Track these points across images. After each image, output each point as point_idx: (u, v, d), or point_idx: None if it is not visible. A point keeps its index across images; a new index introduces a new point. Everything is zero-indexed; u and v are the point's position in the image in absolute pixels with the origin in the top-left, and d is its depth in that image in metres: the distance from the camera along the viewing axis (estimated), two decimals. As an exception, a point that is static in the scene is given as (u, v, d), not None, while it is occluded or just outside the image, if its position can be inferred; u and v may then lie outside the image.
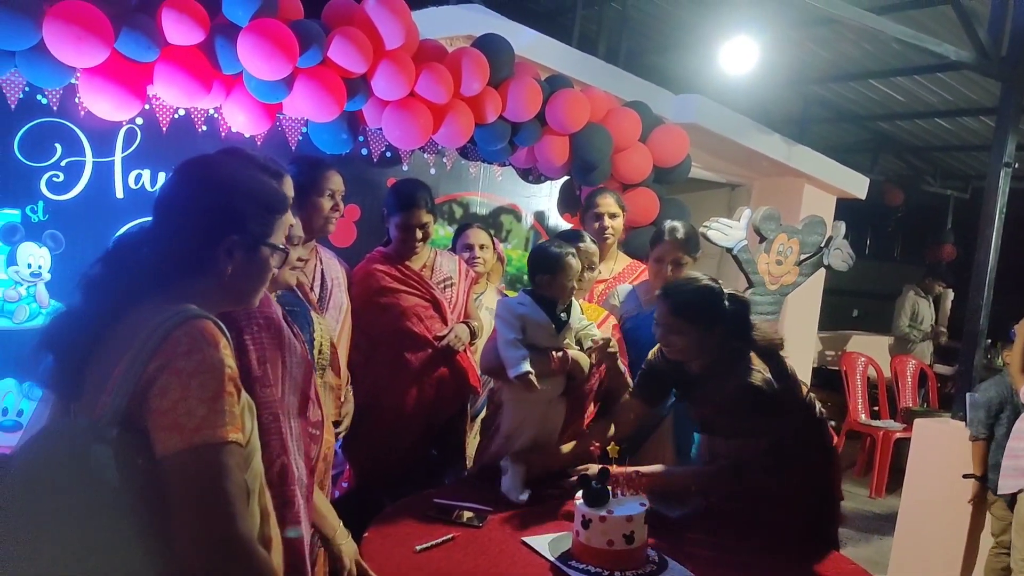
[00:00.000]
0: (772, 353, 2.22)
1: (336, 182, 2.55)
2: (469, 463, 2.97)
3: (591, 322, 2.55)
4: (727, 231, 3.53)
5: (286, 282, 1.79)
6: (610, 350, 2.42)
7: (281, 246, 1.36)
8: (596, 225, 3.22)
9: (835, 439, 2.32)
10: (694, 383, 2.28)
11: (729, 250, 3.58)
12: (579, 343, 2.50)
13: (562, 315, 2.42)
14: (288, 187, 1.76)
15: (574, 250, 2.43)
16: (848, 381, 6.14)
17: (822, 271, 4.09)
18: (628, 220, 3.38)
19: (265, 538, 1.29)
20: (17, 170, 2.59)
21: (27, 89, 2.57)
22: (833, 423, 6.08)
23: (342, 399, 2.48)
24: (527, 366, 2.30)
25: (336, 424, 2.49)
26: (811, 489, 2.15)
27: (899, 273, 8.82)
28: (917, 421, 4.40)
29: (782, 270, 3.71)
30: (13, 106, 2.56)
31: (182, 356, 1.12)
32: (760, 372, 2.11)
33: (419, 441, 2.82)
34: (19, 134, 2.59)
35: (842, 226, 3.90)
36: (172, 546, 1.08)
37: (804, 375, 5.48)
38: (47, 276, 2.66)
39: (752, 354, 2.17)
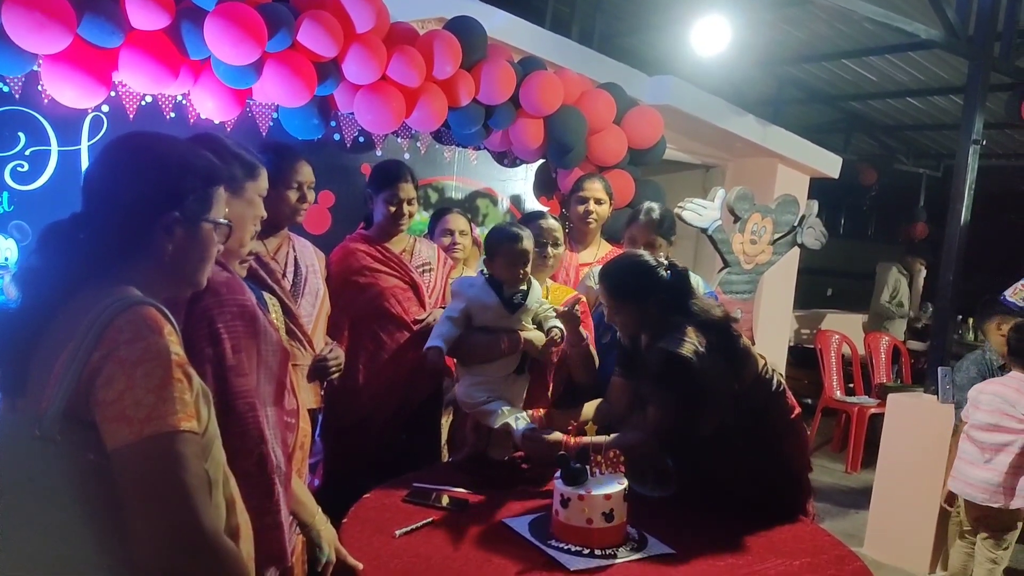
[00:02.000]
0: (714, 326, 2.20)
1: (304, 173, 2.52)
2: (446, 451, 2.99)
3: (552, 305, 2.56)
4: (702, 212, 3.54)
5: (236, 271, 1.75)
6: (574, 311, 2.43)
7: (223, 220, 1.32)
8: (581, 209, 3.23)
9: (796, 411, 2.33)
10: (640, 357, 2.30)
11: (704, 230, 3.60)
12: (539, 325, 2.52)
13: (516, 297, 2.43)
14: (263, 179, 1.74)
15: (525, 234, 2.43)
16: (823, 359, 6.22)
17: (796, 250, 4.14)
18: (602, 203, 3.38)
19: (232, 527, 1.27)
20: (-21, 160, 2.54)
21: (-12, 77, 2.52)
22: (808, 400, 6.18)
23: (322, 352, 2.50)
24: (437, 342, 2.36)
25: (325, 369, 2.50)
26: (774, 462, 2.17)
27: (873, 252, 8.93)
28: (891, 396, 4.47)
29: (756, 249, 3.74)
30: (-27, 94, 2.50)
31: (125, 344, 1.08)
32: (690, 343, 2.09)
33: (391, 422, 2.82)
34: (-20, 123, 2.53)
35: (815, 205, 3.94)
36: (129, 544, 1.05)
37: (779, 354, 5.55)
38: (13, 268, 2.62)
39: (689, 327, 2.14)
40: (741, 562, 1.82)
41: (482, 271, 2.49)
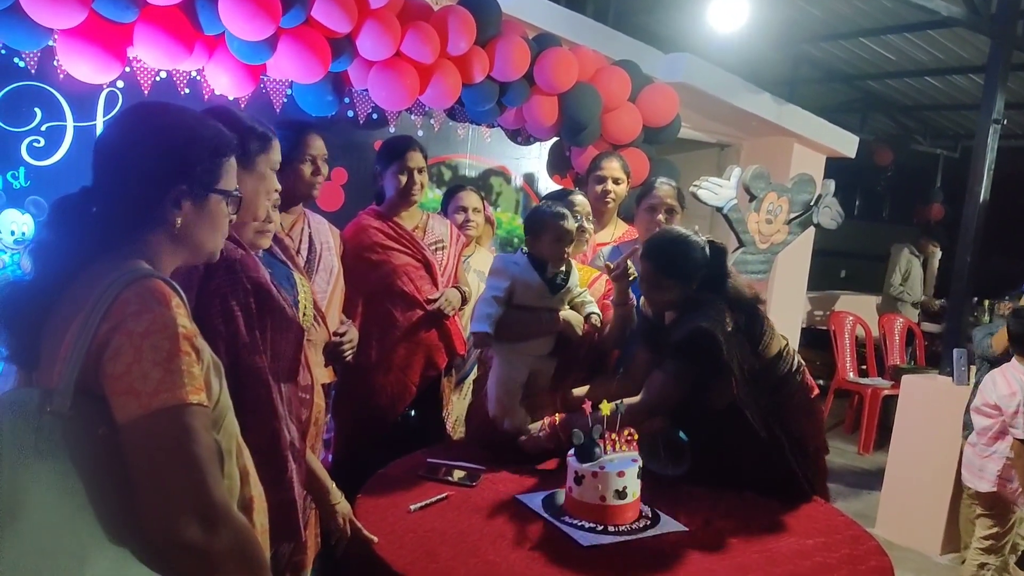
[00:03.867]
0: (745, 306, 2.22)
1: (317, 147, 2.52)
2: (450, 424, 2.99)
3: (584, 288, 2.55)
4: (717, 190, 3.51)
5: (252, 243, 1.75)
6: (628, 269, 2.42)
7: (233, 191, 1.31)
8: (599, 189, 3.21)
9: (815, 391, 2.33)
10: (664, 330, 2.29)
11: (719, 209, 3.57)
12: (574, 307, 2.51)
13: (558, 278, 2.42)
14: (276, 151, 1.74)
15: (568, 214, 2.42)
16: (836, 340, 6.19)
17: (812, 230, 4.10)
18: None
19: (246, 499, 1.27)
20: (-4, 135, 2.55)
21: (3, 52, 2.51)
22: (821, 382, 6.16)
23: (336, 337, 2.50)
24: (485, 325, 2.32)
25: (339, 353, 2.50)
26: (790, 441, 2.17)
27: (888, 233, 8.85)
28: (904, 378, 4.45)
29: (772, 229, 3.71)
30: (-10, 70, 2.51)
31: (132, 317, 1.07)
32: (721, 321, 2.11)
33: (399, 400, 2.82)
34: (-3, 98, 2.54)
35: (831, 184, 3.90)
36: (140, 517, 1.04)
37: (793, 335, 5.53)
38: (36, 235, 2.63)
39: (722, 305, 2.17)
40: (754, 540, 1.83)
41: (521, 249, 2.48)
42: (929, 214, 8.96)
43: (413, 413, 2.89)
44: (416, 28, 2.95)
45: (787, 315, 5.31)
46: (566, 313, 2.45)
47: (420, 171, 2.82)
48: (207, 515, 1.05)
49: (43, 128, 2.63)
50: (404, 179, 2.79)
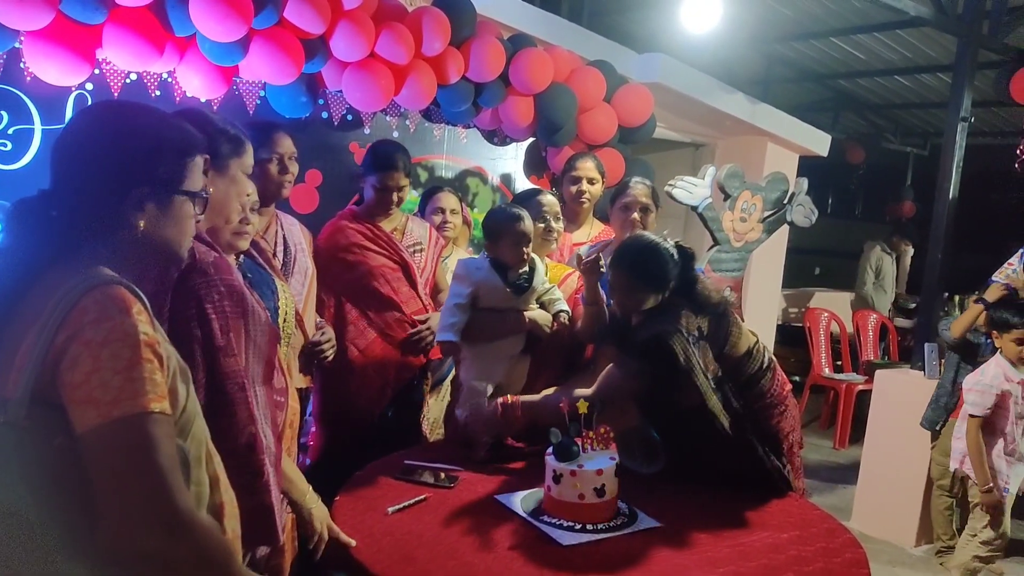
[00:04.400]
0: (712, 310, 2.22)
1: (284, 145, 2.51)
2: (427, 426, 2.99)
3: (553, 284, 2.56)
4: (692, 189, 3.54)
5: (229, 244, 1.74)
6: (598, 263, 2.43)
7: (200, 192, 1.28)
8: (573, 189, 3.23)
9: (788, 386, 2.35)
10: (631, 330, 2.30)
11: (694, 208, 3.59)
12: (543, 305, 2.52)
13: (522, 279, 2.43)
14: (249, 155, 1.73)
15: (524, 215, 2.42)
16: (812, 337, 6.26)
17: (786, 228, 4.14)
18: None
19: (216, 504, 1.25)
20: (-38, 139, 2.50)
21: (-31, 54, 2.47)
22: (797, 378, 6.22)
23: (315, 338, 2.50)
24: (450, 335, 2.36)
25: (319, 353, 2.50)
26: (765, 437, 2.19)
27: (861, 230, 8.97)
28: (878, 373, 4.51)
29: (746, 227, 3.74)
30: (-45, 72, 2.46)
31: (90, 325, 1.05)
32: (680, 330, 2.10)
33: (376, 402, 2.82)
34: (-38, 101, 2.49)
35: (804, 182, 3.94)
36: (102, 527, 1.02)
37: (768, 332, 5.58)
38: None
39: (684, 311, 2.16)
40: (729, 535, 1.84)
41: (484, 253, 2.48)
42: (900, 211, 9.09)
43: (390, 414, 2.88)
44: (390, 29, 2.94)
45: (762, 312, 5.36)
46: (533, 312, 2.47)
47: (400, 189, 2.82)
48: (169, 523, 1.04)
49: (10, 131, 2.59)
50: (380, 197, 2.81)
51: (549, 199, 2.75)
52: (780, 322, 6.63)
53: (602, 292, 2.51)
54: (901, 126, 9.15)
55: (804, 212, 3.91)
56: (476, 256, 2.81)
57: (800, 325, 6.61)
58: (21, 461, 1.03)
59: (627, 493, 1.96)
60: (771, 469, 2.17)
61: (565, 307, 2.50)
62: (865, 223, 9.91)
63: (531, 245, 2.45)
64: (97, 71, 2.66)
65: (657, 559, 1.70)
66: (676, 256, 2.23)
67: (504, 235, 2.40)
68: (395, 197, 2.81)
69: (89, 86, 2.71)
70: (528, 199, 2.73)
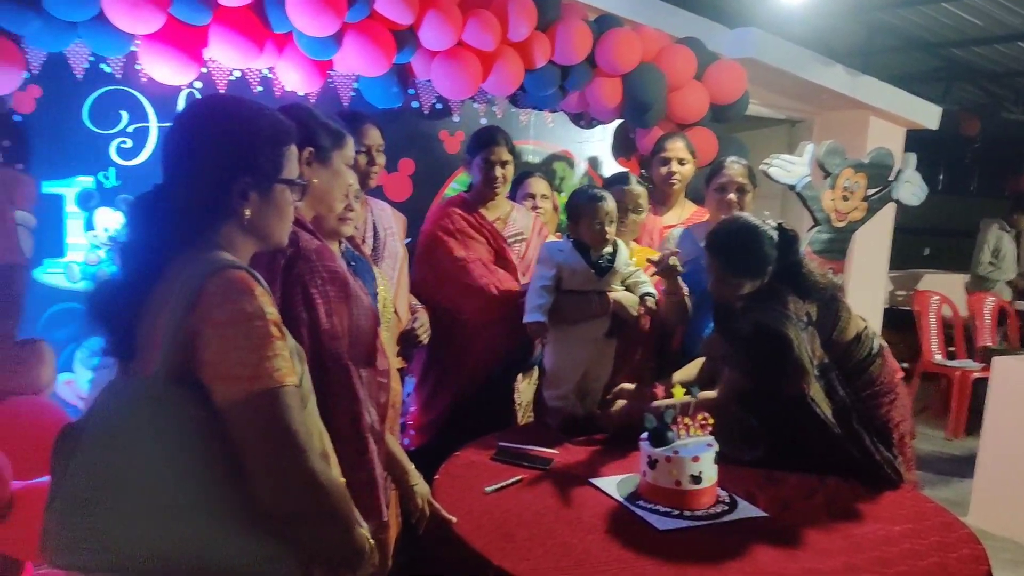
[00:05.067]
0: (819, 295, 2.12)
1: (372, 136, 2.57)
2: (520, 410, 3.01)
3: (639, 268, 2.53)
4: (789, 167, 3.42)
5: (335, 231, 1.80)
6: (672, 265, 2.39)
7: (297, 179, 1.35)
8: (663, 170, 3.17)
9: (899, 374, 2.25)
10: (730, 316, 2.22)
11: (792, 187, 3.48)
12: (628, 288, 2.50)
13: (604, 260, 2.41)
14: (350, 147, 1.78)
15: (605, 195, 2.40)
16: (921, 321, 5.96)
17: (892, 207, 3.95)
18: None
19: None
20: (88, 138, 2.68)
21: (91, 59, 2.64)
22: (906, 365, 5.95)
23: (409, 324, 2.56)
24: (538, 315, 2.36)
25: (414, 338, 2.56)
26: (873, 429, 2.11)
27: (976, 208, 8.45)
28: (995, 359, 4.25)
29: (849, 206, 3.59)
30: (80, 76, 2.63)
31: (218, 307, 1.13)
32: (788, 316, 2.02)
33: (471, 385, 2.84)
34: (87, 103, 2.67)
35: (912, 158, 3.75)
36: (247, 491, 1.12)
37: (874, 316, 5.36)
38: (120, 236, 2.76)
39: (790, 298, 2.06)
40: (838, 527, 1.78)
41: (568, 236, 2.49)
42: (1022, 186, 8.51)
43: (484, 397, 2.92)
44: (477, 16, 2.97)
45: (867, 295, 5.15)
46: (617, 294, 2.45)
47: (504, 164, 2.85)
48: (309, 483, 1.14)
49: (129, 129, 2.76)
50: (487, 173, 2.84)
51: (634, 188, 2.71)
52: (887, 305, 6.34)
53: (682, 283, 2.47)
54: (1023, 95, 8.55)
55: (912, 189, 3.72)
56: (557, 239, 2.80)
57: (908, 309, 6.30)
58: (166, 434, 1.12)
59: (727, 481, 1.93)
60: (880, 460, 2.08)
61: (652, 290, 2.48)
62: (981, 199, 9.33)
63: (614, 227, 2.43)
64: (204, 70, 2.80)
65: (762, 548, 1.66)
66: (776, 239, 2.12)
67: (584, 215, 2.40)
68: (499, 173, 2.84)
69: (198, 84, 2.85)
70: (612, 185, 2.71)
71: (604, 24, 3.41)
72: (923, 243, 8.81)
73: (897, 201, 3.76)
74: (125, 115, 2.74)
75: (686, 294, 2.55)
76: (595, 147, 3.97)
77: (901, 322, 6.41)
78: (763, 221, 2.18)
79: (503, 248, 2.86)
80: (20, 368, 2.31)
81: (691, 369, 2.39)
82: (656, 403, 2.12)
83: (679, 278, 2.49)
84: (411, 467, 1.85)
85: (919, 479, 2.59)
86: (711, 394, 2.13)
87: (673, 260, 2.40)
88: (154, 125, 2.80)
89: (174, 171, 1.28)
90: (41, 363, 2.35)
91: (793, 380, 2.03)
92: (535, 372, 3.09)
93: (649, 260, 2.48)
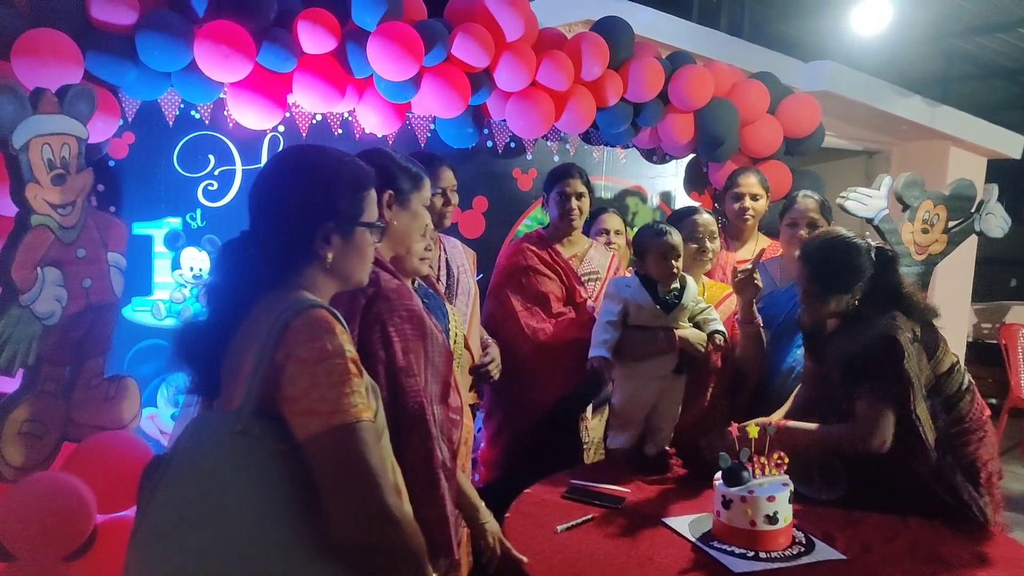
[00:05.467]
0: (920, 315, 2.11)
1: (447, 178, 2.63)
2: (591, 447, 2.99)
3: (709, 304, 2.51)
4: (866, 200, 3.36)
5: (415, 270, 1.85)
6: (754, 277, 2.37)
7: (376, 222, 1.41)
8: (736, 206, 3.15)
9: (987, 412, 2.18)
10: (825, 339, 2.19)
11: (869, 220, 3.41)
12: (697, 325, 2.48)
13: (671, 296, 2.40)
14: (427, 188, 1.84)
15: (670, 230, 2.40)
16: (1009, 355, 5.70)
17: (974, 238, 3.83)
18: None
19: None
20: (177, 181, 2.82)
21: (182, 106, 2.79)
22: (993, 401, 5.70)
23: (480, 360, 2.59)
24: (602, 351, 2.35)
25: (485, 374, 2.60)
26: (961, 464, 2.04)
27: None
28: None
29: (929, 239, 3.50)
30: (171, 122, 2.78)
31: (302, 345, 1.18)
32: (904, 329, 2.01)
33: (532, 422, 2.84)
34: (177, 148, 2.81)
35: (994, 189, 3.63)
36: (324, 523, 1.16)
37: (957, 350, 5.16)
38: (207, 278, 2.89)
39: (897, 313, 2.06)
40: (921, 572, 1.73)
41: (636, 271, 2.49)
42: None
43: (552, 434, 2.93)
44: (551, 57, 3.03)
45: (950, 329, 4.94)
46: (684, 332, 2.43)
47: (579, 196, 2.89)
48: (384, 517, 1.18)
49: (216, 172, 2.89)
50: (562, 206, 2.89)
51: (704, 218, 2.69)
52: (972, 339, 6.11)
53: (757, 313, 2.44)
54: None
55: (995, 221, 3.60)
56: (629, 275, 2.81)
57: (995, 342, 6.04)
58: (248, 467, 1.18)
59: (805, 522, 1.89)
60: (968, 499, 2.01)
61: (721, 327, 2.45)
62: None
63: (681, 261, 2.43)
64: (288, 114, 2.92)
65: (838, 591, 1.63)
66: (874, 256, 2.12)
67: (650, 250, 2.39)
68: (575, 205, 2.88)
69: (281, 128, 2.98)
70: (682, 218, 2.70)
71: (676, 61, 3.43)
72: (1009, 274, 8.46)
73: (980, 233, 3.64)
74: (212, 159, 2.88)
75: (760, 325, 2.52)
76: (668, 182, 3.97)
77: (987, 356, 6.15)
78: (861, 236, 2.18)
79: (575, 288, 2.88)
80: (107, 404, 2.41)
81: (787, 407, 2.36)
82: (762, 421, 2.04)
83: (753, 308, 2.46)
84: (482, 505, 1.87)
85: (1007, 521, 2.47)
86: (839, 430, 2.06)
87: (757, 279, 2.38)
88: (239, 168, 2.93)
89: (261, 217, 1.36)
90: (127, 399, 2.46)
91: (902, 392, 1.98)
92: (606, 409, 3.08)
93: (738, 272, 2.44)
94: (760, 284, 2.42)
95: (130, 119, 2.69)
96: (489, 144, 3.39)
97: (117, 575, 1.25)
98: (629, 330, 2.43)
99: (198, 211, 2.87)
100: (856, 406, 2.04)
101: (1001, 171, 5.06)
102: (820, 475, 2.12)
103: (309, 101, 2.75)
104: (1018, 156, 5.21)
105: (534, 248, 2.93)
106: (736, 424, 2.06)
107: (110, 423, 2.40)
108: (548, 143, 3.54)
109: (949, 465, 2.01)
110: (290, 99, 2.82)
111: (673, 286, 2.43)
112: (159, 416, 2.83)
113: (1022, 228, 5.68)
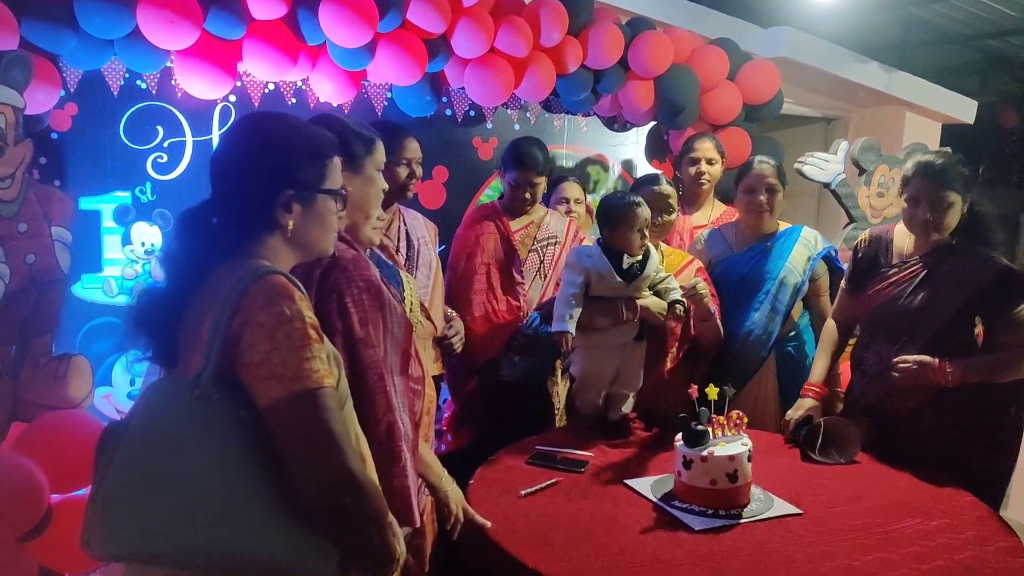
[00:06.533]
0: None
1: (412, 149, 2.58)
2: (558, 412, 3.02)
3: (669, 273, 2.52)
4: (824, 165, 3.39)
5: (369, 240, 1.82)
6: (699, 292, 2.38)
7: (340, 190, 1.38)
8: (692, 170, 3.16)
9: None
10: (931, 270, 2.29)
11: (827, 185, 3.44)
12: (658, 293, 2.48)
13: (634, 266, 2.40)
14: (380, 152, 1.79)
15: (640, 201, 2.39)
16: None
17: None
18: (717, 162, 3.30)
19: None
20: (124, 154, 2.73)
21: (127, 76, 2.70)
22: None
23: (443, 332, 2.57)
24: (565, 325, 2.34)
25: (448, 346, 2.59)
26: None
27: (1018, 199, 8.27)
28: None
29: (884, 202, 3.55)
30: (116, 93, 2.69)
31: (260, 310, 1.17)
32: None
33: (502, 391, 2.85)
34: (124, 119, 2.73)
35: (842, 143, 3.67)
36: (286, 488, 1.16)
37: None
38: (159, 252, 2.82)
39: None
40: (875, 522, 1.77)
41: (598, 239, 2.48)
42: (1064, 179, 8.31)
43: (519, 402, 2.93)
44: (509, 23, 2.99)
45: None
46: (645, 300, 2.43)
47: (533, 186, 2.86)
48: (346, 480, 1.18)
49: (165, 144, 2.81)
50: (514, 194, 2.87)
51: (664, 189, 2.68)
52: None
53: (711, 308, 2.46)
54: (1061, 85, 8.37)
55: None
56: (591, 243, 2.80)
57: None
58: (208, 431, 1.16)
59: (764, 479, 1.92)
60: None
61: (679, 297, 2.46)
62: (1022, 191, 9.12)
63: (647, 232, 2.42)
64: (239, 83, 2.85)
65: (796, 546, 1.65)
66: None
67: (620, 221, 2.37)
68: (528, 195, 2.86)
69: (232, 98, 2.90)
70: (642, 186, 2.70)
71: (636, 27, 3.41)
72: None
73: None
74: (161, 130, 2.79)
75: (718, 318, 2.54)
76: (629, 150, 3.97)
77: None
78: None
79: (517, 258, 2.89)
80: (57, 383, 2.35)
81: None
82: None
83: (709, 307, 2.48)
84: (444, 473, 1.86)
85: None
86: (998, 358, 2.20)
87: (702, 288, 2.38)
88: (189, 139, 2.85)
89: (220, 185, 1.33)
90: (78, 377, 2.40)
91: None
92: (569, 377, 3.09)
93: (680, 287, 2.46)
94: (703, 293, 2.42)
95: (72, 89, 2.59)
96: (448, 113, 3.35)
97: (74, 555, 1.22)
98: (590, 300, 2.42)
99: (148, 184, 2.79)
100: (1004, 327, 2.19)
101: (956, 136, 5.14)
102: (831, 442, 2.19)
103: (260, 69, 2.68)
104: (972, 121, 5.29)
105: (488, 217, 2.91)
106: (695, 386, 2.07)
107: (61, 402, 2.34)
108: (508, 111, 3.50)
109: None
110: (241, 68, 2.74)
111: (637, 256, 2.43)
112: (115, 395, 2.77)
113: (977, 190, 5.78)
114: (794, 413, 2.38)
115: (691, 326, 2.54)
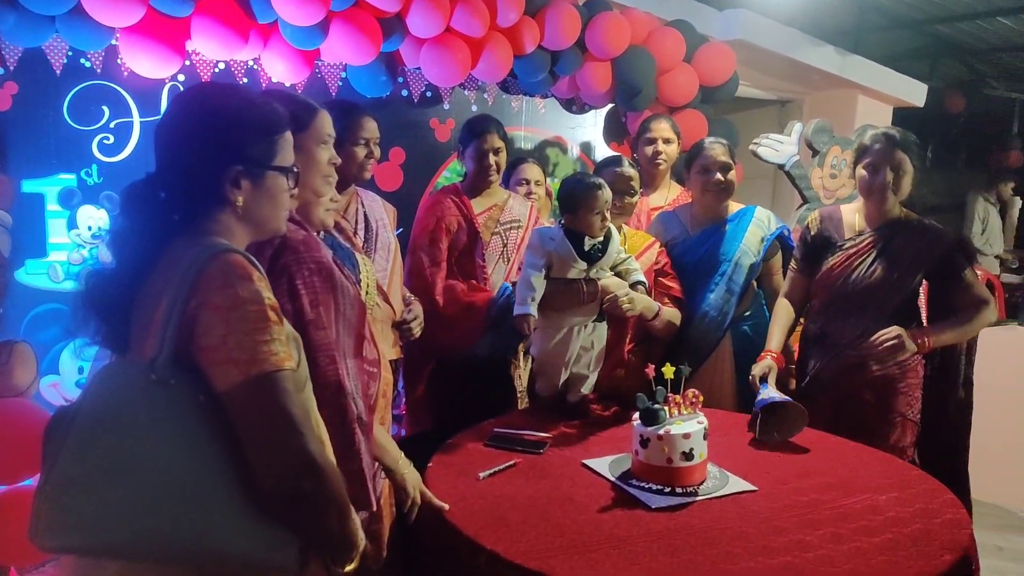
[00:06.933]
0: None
1: (370, 129, 2.54)
2: (520, 395, 3.02)
3: (630, 255, 2.53)
4: (778, 147, 3.43)
5: (322, 221, 1.78)
6: (621, 305, 2.39)
7: (291, 167, 1.34)
8: (649, 150, 3.17)
9: None
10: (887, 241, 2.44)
11: (781, 166, 3.48)
12: (619, 275, 2.49)
13: (595, 247, 2.40)
14: (321, 126, 1.74)
15: (602, 184, 2.39)
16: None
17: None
18: (675, 144, 3.31)
19: None
20: (69, 135, 2.66)
21: (70, 54, 2.61)
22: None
23: (402, 316, 2.54)
24: (528, 308, 2.34)
25: (407, 330, 2.55)
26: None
27: (963, 182, 8.48)
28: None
29: (837, 183, 3.61)
30: (59, 71, 2.61)
31: (217, 292, 1.13)
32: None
33: (462, 373, 2.85)
34: (67, 99, 2.64)
35: (796, 124, 3.74)
36: (246, 473, 1.13)
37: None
38: (111, 224, 2.74)
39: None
40: (825, 498, 1.80)
41: (560, 221, 2.48)
42: (1007, 162, 8.53)
43: (480, 385, 2.93)
44: (465, 2, 2.95)
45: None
46: (606, 281, 2.44)
47: (497, 152, 2.84)
48: (307, 465, 1.16)
49: (112, 125, 2.74)
50: (480, 163, 2.83)
51: (627, 171, 2.68)
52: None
53: (653, 305, 2.49)
54: (1005, 71, 8.56)
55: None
56: (551, 225, 2.80)
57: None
58: (164, 417, 1.12)
59: (720, 457, 1.94)
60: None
61: (642, 278, 2.47)
62: (968, 173, 9.36)
63: (609, 215, 2.42)
64: (188, 62, 2.78)
65: (750, 521, 1.68)
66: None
67: (582, 204, 2.37)
68: (492, 161, 2.83)
69: (181, 77, 2.83)
70: (605, 168, 2.70)
71: (593, 8, 3.40)
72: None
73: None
74: (107, 111, 2.72)
75: (662, 317, 2.56)
76: (587, 132, 3.97)
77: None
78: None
79: (480, 240, 2.87)
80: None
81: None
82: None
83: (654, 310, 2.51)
84: (401, 456, 1.84)
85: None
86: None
87: (626, 304, 2.39)
88: (137, 120, 2.78)
89: (165, 159, 1.27)
90: (21, 365, 2.33)
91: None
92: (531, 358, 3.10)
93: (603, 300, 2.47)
94: (627, 307, 2.42)
95: (11, 68, 2.51)
96: (404, 93, 3.31)
97: (21, 548, 1.18)
98: (552, 282, 2.42)
99: (94, 167, 2.71)
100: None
101: (906, 119, 5.23)
102: (774, 420, 2.20)
103: (209, 48, 2.62)
104: (922, 104, 5.40)
105: (450, 200, 2.88)
106: (652, 365, 2.09)
107: (4, 391, 2.28)
108: (465, 92, 3.48)
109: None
110: (189, 46, 2.67)
111: (598, 238, 2.43)
112: (62, 383, 2.70)
113: (925, 173, 5.91)
114: (758, 371, 2.42)
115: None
